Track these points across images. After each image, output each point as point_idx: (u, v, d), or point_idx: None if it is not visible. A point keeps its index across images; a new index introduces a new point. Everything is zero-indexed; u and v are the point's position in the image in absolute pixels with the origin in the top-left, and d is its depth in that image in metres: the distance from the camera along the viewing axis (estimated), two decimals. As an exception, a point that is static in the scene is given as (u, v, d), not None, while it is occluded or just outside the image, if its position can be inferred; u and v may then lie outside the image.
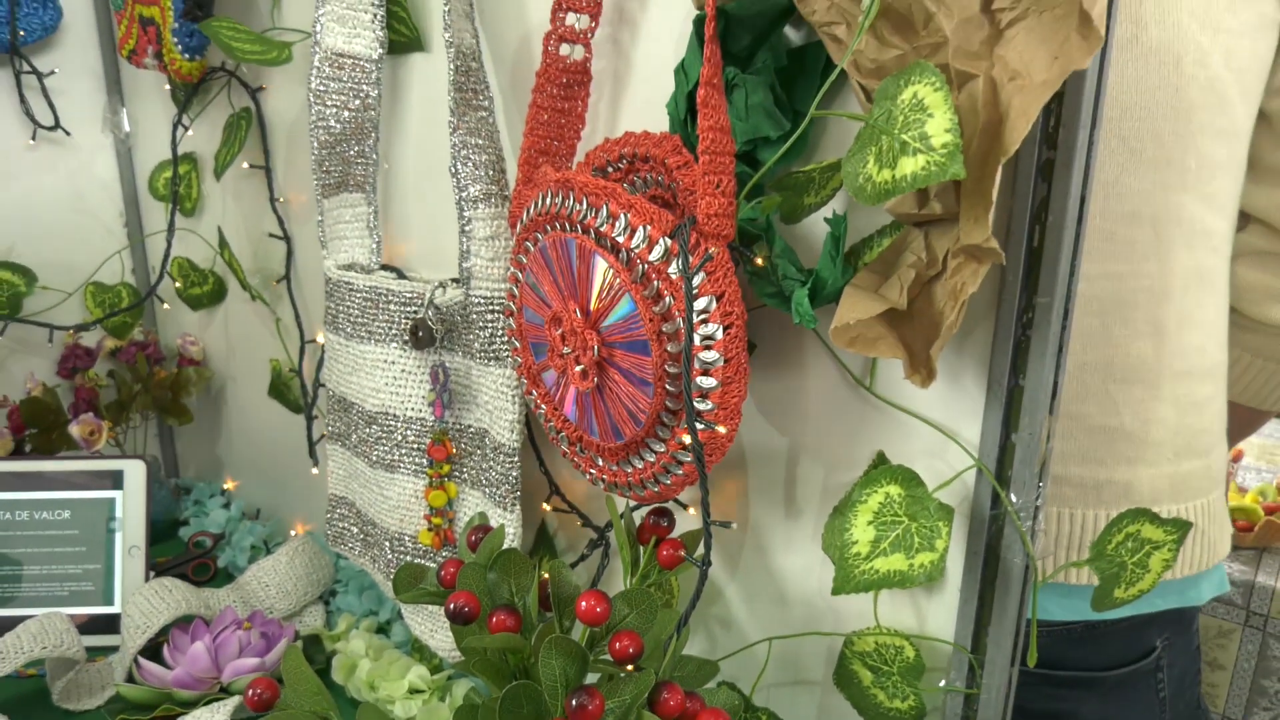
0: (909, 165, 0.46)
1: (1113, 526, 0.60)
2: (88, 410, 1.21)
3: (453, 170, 0.76)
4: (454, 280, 0.81)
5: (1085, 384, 0.75)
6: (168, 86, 1.10)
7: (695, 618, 0.79)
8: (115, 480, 1.07)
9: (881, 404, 0.63)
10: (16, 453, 1.18)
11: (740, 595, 0.76)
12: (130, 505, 1.07)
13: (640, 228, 0.58)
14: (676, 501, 0.75)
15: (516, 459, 0.79)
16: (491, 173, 0.77)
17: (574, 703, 0.54)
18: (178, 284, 1.21)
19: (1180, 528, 0.61)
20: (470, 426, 0.84)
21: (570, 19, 0.69)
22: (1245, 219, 0.85)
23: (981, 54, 0.50)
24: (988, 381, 0.58)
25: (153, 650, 0.95)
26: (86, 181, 1.25)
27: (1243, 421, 0.96)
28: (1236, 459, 1.48)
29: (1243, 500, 1.28)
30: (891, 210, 0.55)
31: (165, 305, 1.27)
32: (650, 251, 0.58)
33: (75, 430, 1.17)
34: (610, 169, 0.67)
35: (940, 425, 0.61)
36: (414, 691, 0.91)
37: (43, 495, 1.06)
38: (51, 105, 1.18)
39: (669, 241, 0.58)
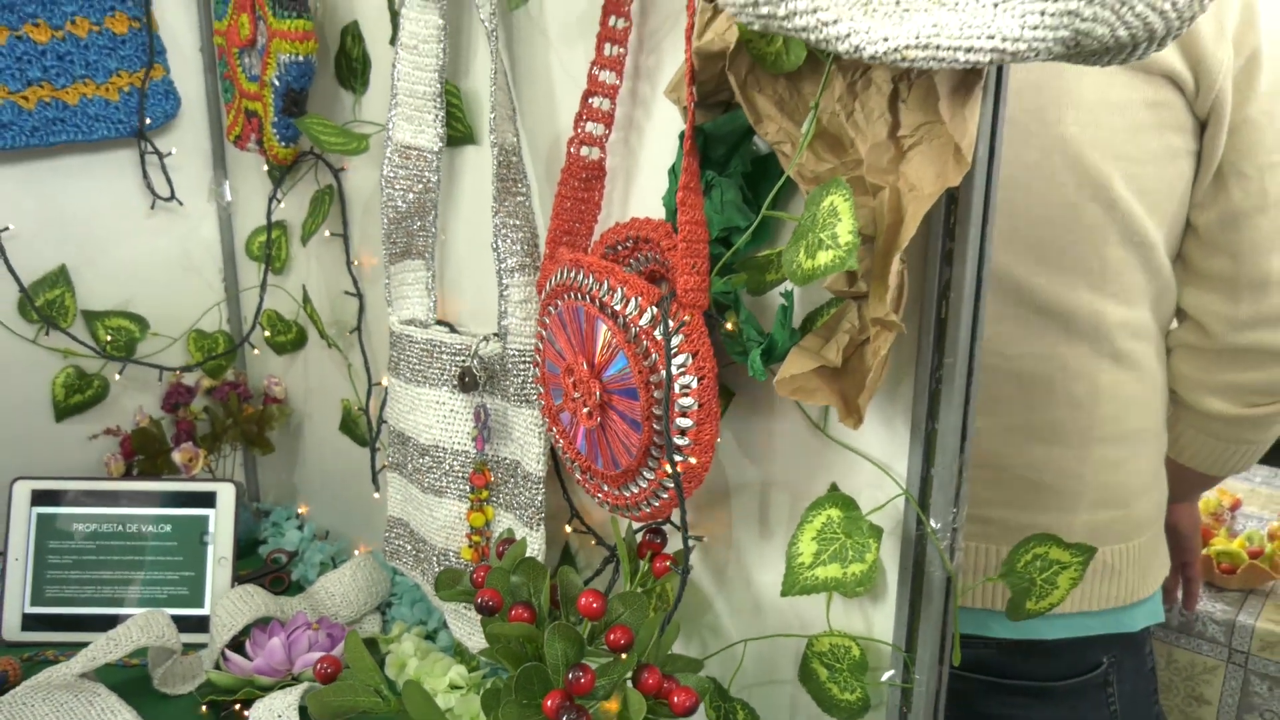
0: (824, 257, 0.61)
1: (1021, 547, 0.73)
2: (187, 440, 1.40)
3: (494, 246, 0.93)
4: (495, 335, 0.97)
5: (1011, 443, 0.88)
6: (265, 166, 1.30)
7: (689, 625, 0.93)
8: (209, 500, 1.25)
9: (834, 443, 0.77)
10: (127, 474, 1.38)
11: (725, 606, 0.90)
12: (221, 522, 1.24)
13: (633, 298, 0.74)
14: (671, 523, 0.89)
15: (541, 486, 0.95)
16: (526, 248, 0.94)
17: (570, 676, 0.68)
18: (266, 333, 1.40)
19: (1084, 551, 0.74)
20: (505, 458, 1.00)
21: (589, 126, 0.85)
22: (1182, 314, 0.96)
23: (889, 170, 0.64)
24: (911, 425, 0.71)
25: (236, 645, 1.12)
26: (193, 243, 1.46)
27: (1195, 482, 1.07)
28: (1234, 508, 1.55)
29: (1230, 545, 1.36)
30: (828, 288, 0.70)
31: (255, 351, 1.46)
32: (641, 318, 0.73)
33: (177, 457, 1.36)
34: (620, 247, 0.83)
35: (877, 461, 0.74)
36: (454, 687, 1.06)
37: (148, 511, 1.24)
38: (169, 179, 1.39)
39: (655, 310, 0.73)
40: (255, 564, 1.38)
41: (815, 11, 0.49)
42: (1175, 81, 0.83)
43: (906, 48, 0.49)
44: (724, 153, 0.76)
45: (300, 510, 1.47)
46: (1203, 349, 0.92)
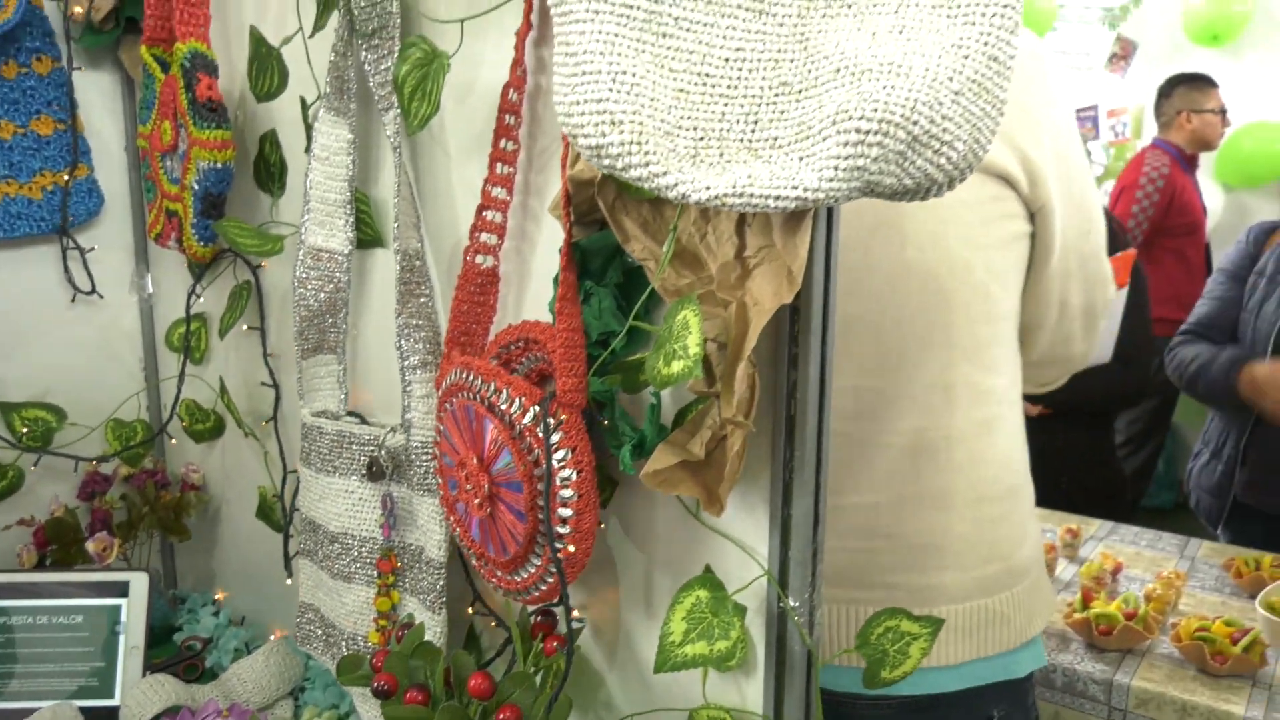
0: (677, 366, 0.68)
1: (873, 621, 0.80)
2: (102, 529, 1.41)
3: (398, 345, 0.99)
4: (400, 427, 1.03)
5: (905, 512, 0.97)
6: (185, 263, 1.35)
7: (583, 701, 0.98)
8: (122, 590, 1.27)
9: (706, 528, 0.84)
10: (39, 565, 1.38)
11: (617, 681, 0.95)
12: (133, 611, 1.26)
13: (518, 399, 0.81)
14: (562, 604, 0.94)
15: (443, 571, 1.00)
16: (428, 346, 1.00)
17: (457, 753, 0.73)
18: (184, 421, 1.43)
19: (932, 623, 0.81)
20: (411, 544, 1.05)
21: (484, 237, 0.93)
22: None
23: (736, 286, 0.73)
24: (770, 511, 0.79)
25: (145, 736, 1.13)
26: (114, 334, 1.49)
27: None
28: (1116, 572, 1.66)
29: (1107, 608, 1.46)
30: (690, 389, 0.77)
31: (173, 440, 1.49)
32: (524, 416, 0.80)
33: (91, 546, 1.38)
34: (512, 347, 0.90)
35: (742, 544, 0.81)
36: (362, 770, 1.08)
37: (60, 602, 1.26)
38: (90, 274, 1.43)
39: (537, 409, 0.80)
40: (170, 651, 1.39)
41: (648, 165, 0.58)
42: (1009, 180, 0.96)
43: (725, 195, 0.58)
44: (601, 264, 0.84)
45: (217, 596, 1.48)
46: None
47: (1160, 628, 1.49)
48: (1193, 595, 1.64)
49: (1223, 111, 3.50)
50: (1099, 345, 1.77)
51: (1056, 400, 1.31)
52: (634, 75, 0.58)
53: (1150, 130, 3.86)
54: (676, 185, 0.58)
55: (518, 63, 0.87)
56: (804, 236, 0.68)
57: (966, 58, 0.58)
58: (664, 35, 0.59)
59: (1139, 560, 1.80)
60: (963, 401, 0.98)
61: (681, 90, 0.60)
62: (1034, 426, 2.22)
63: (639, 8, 0.59)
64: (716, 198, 0.58)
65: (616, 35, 0.58)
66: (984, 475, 1.01)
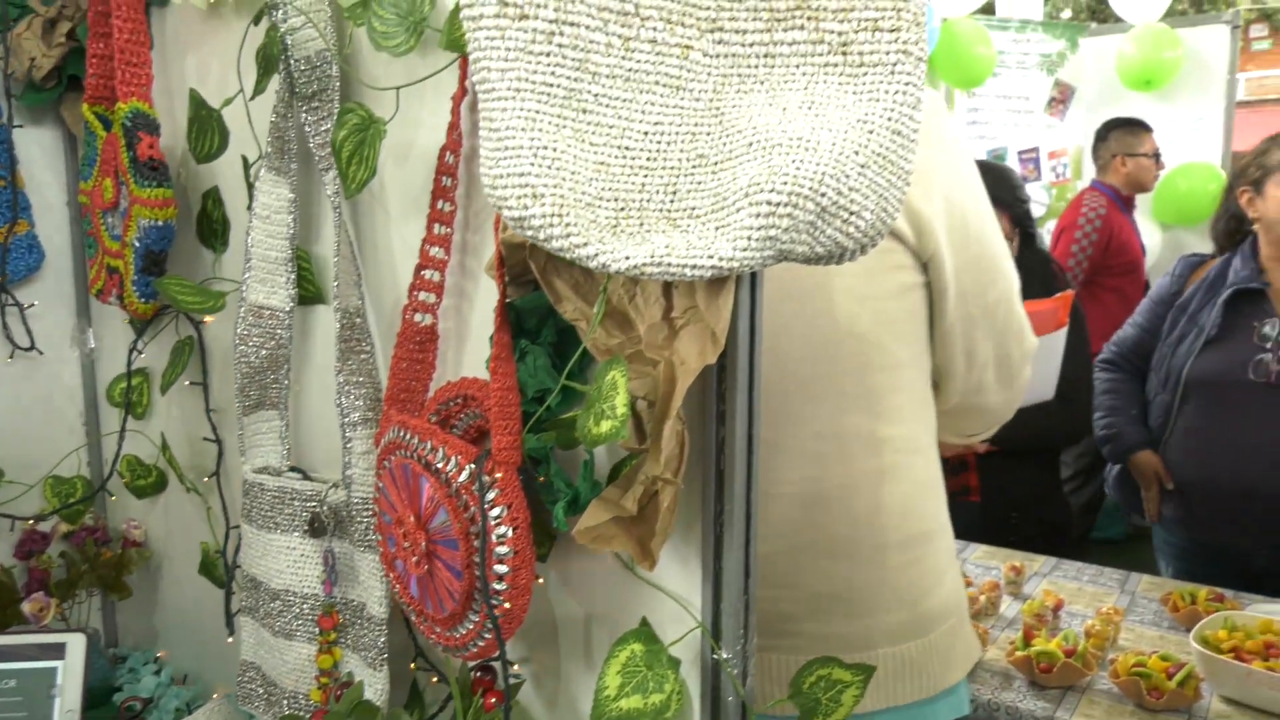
0: (605, 426, 0.70)
1: (805, 670, 0.81)
2: (39, 589, 1.39)
3: (338, 402, 1.00)
4: (342, 483, 1.03)
5: (807, 562, 0.98)
6: (126, 319, 1.34)
7: (526, 757, 0.98)
8: (58, 652, 1.24)
9: (643, 581, 0.85)
10: (-28, 628, 1.35)
11: (559, 736, 0.95)
12: (70, 675, 1.23)
13: (453, 457, 0.82)
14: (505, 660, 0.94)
15: (384, 627, 0.99)
16: (369, 403, 1.01)
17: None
18: (126, 478, 1.42)
19: (864, 671, 0.83)
20: (352, 600, 1.04)
21: (422, 296, 0.94)
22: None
23: (664, 346, 0.75)
24: (702, 564, 0.80)
25: (80, 803, 1.11)
26: (54, 389, 1.48)
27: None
28: (1057, 609, 1.69)
29: (1048, 645, 1.48)
30: (623, 447, 0.79)
31: (113, 497, 1.47)
32: (460, 474, 0.81)
33: (26, 608, 1.35)
34: (451, 403, 0.91)
35: (677, 597, 0.82)
36: (303, 832, 1.07)
37: (-7, 666, 1.23)
38: (29, 331, 1.41)
39: (473, 467, 0.81)
40: (110, 712, 1.36)
41: (569, 236, 0.60)
42: (895, 233, 0.98)
43: (644, 265, 0.60)
44: (535, 323, 0.86)
45: (159, 655, 1.45)
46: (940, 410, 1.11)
47: (1099, 664, 1.52)
48: (1132, 630, 1.67)
49: (1156, 155, 3.63)
50: (1038, 387, 1.81)
51: (1001, 438, 1.34)
52: (555, 150, 0.60)
53: (1090, 171, 3.99)
54: (597, 256, 0.60)
55: (454, 127, 0.89)
56: (726, 299, 0.70)
57: (871, 133, 0.61)
58: (584, 111, 0.62)
59: (1081, 596, 1.84)
60: (857, 451, 1.00)
61: (602, 163, 0.62)
62: (981, 464, 2.28)
63: (560, 85, 0.61)
64: (636, 267, 0.60)
65: (538, 112, 0.60)
66: (885, 524, 1.02)
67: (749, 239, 0.59)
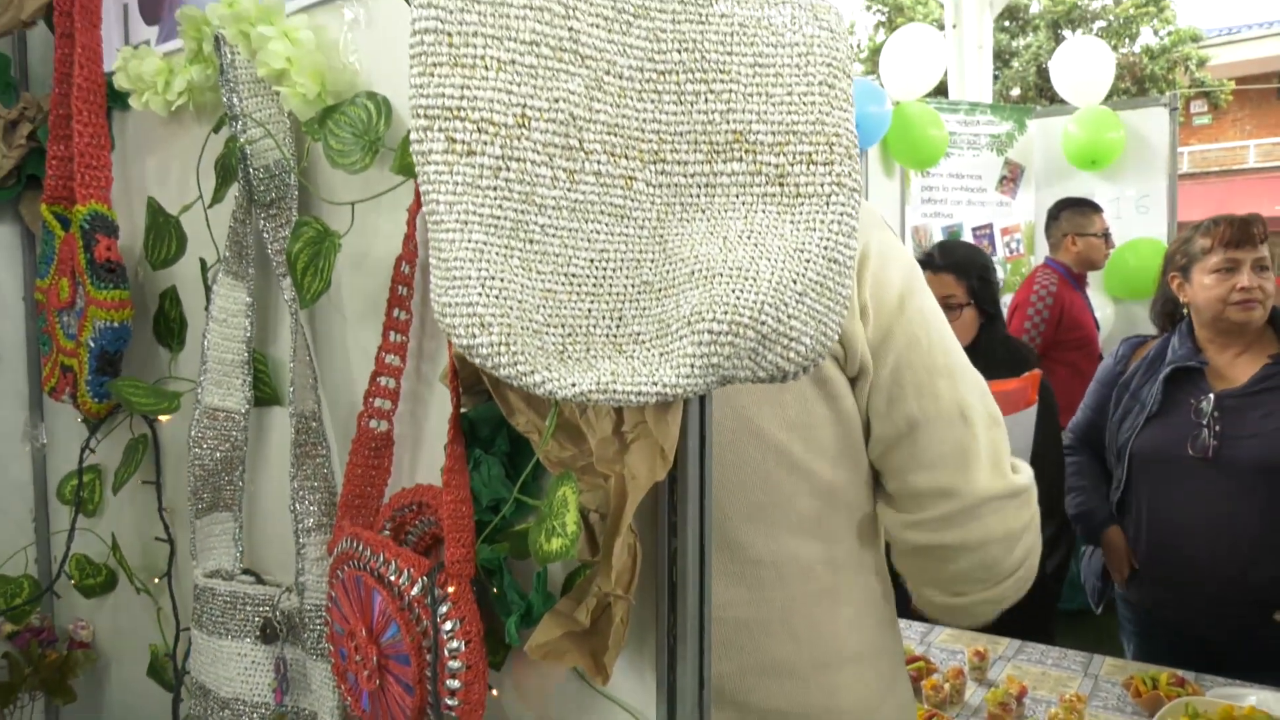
0: (556, 543, 0.70)
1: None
2: (-22, 696, 1.34)
3: (292, 508, 0.99)
4: (295, 588, 1.02)
5: (748, 682, 0.97)
6: (80, 418, 1.33)
7: None
8: (-3, 765, 1.20)
9: (600, 694, 0.84)
10: (-93, 740, 1.30)
11: None
12: (8, 788, 1.19)
13: (406, 570, 0.81)
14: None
15: (336, 740, 0.97)
16: (324, 508, 1.00)
17: None
18: (74, 578, 1.39)
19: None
20: (305, 710, 1.02)
21: (377, 402, 0.94)
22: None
23: (615, 460, 0.76)
24: (657, 676, 0.80)
25: None
26: (3, 485, 1.45)
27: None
28: (1021, 696, 1.69)
29: (1013, 735, 1.48)
30: (578, 559, 0.79)
31: (59, 598, 1.44)
32: (412, 588, 0.81)
33: (-35, 716, 1.30)
34: (406, 510, 0.91)
35: (633, 710, 0.82)
36: None
37: (-73, 782, 1.18)
38: (-22, 427, 1.39)
39: (425, 580, 0.80)
40: (48, 827, 1.31)
41: (515, 364, 0.61)
42: (830, 354, 0.96)
43: (590, 392, 0.61)
44: (489, 433, 0.86)
45: (103, 762, 1.41)
46: (902, 553, 1.04)
47: (1064, 752, 1.51)
48: (1095, 717, 1.67)
49: (1106, 234, 3.74)
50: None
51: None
52: (502, 280, 0.62)
53: (1042, 246, 4.10)
54: (544, 383, 0.61)
55: (409, 238, 0.91)
56: (674, 416, 0.72)
57: (809, 262, 0.64)
58: (531, 241, 0.64)
59: (1045, 681, 1.84)
60: (794, 575, 0.98)
61: (549, 291, 0.64)
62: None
63: (507, 218, 0.63)
64: (582, 394, 0.61)
65: (485, 244, 0.62)
66: (828, 644, 0.99)
67: (692, 366, 0.61)
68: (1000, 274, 4.60)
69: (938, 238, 4.47)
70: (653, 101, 0.66)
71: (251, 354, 1.09)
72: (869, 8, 13.09)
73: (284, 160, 1.01)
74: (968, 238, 4.51)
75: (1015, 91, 12.22)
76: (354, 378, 1.03)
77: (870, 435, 0.99)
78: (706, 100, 0.66)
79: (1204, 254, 2.03)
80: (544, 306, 0.63)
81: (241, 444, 1.11)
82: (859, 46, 13.35)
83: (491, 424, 0.86)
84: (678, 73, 0.66)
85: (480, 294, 0.61)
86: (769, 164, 0.66)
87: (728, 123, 0.66)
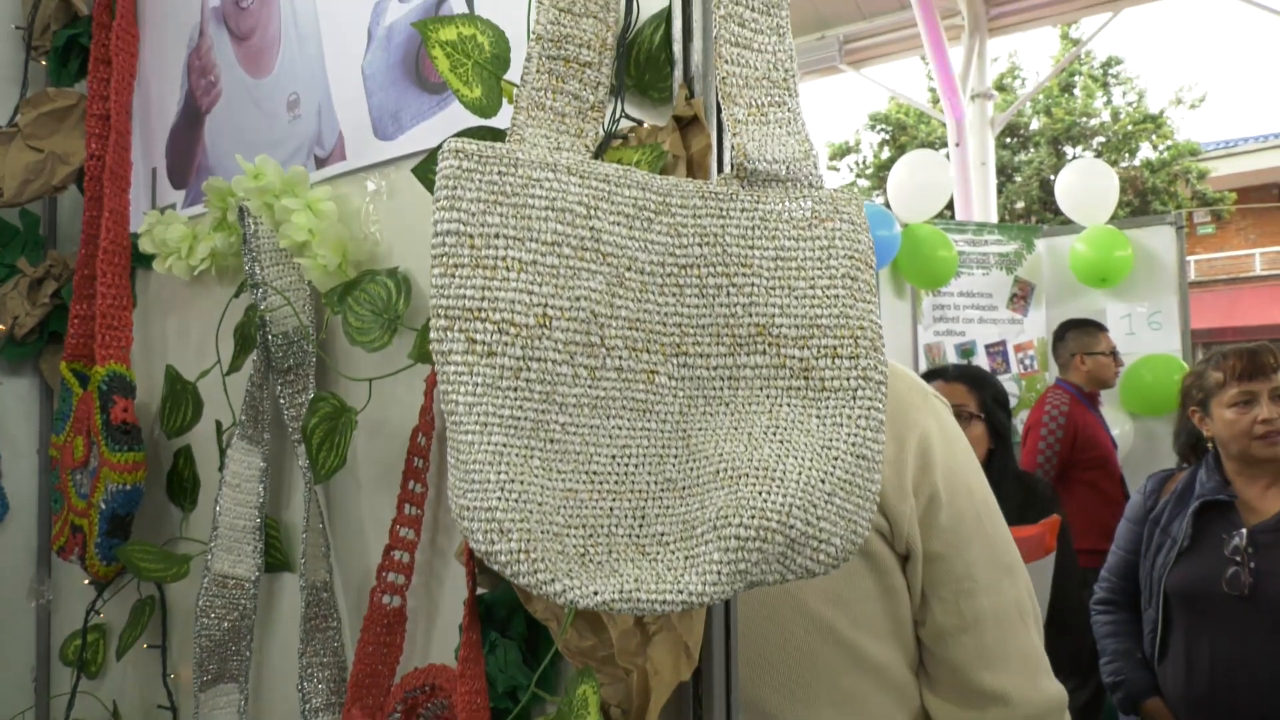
0: (576, 746, 0.67)
1: None
2: None
3: (299, 686, 0.96)
4: (300, 772, 0.97)
5: None
6: (86, 580, 1.30)
7: None
8: None
9: None
10: None
11: None
12: None
13: (417, 767, 0.77)
14: None
15: None
16: (332, 687, 0.96)
17: None
18: (73, 744, 1.34)
19: None
20: None
21: (391, 577, 0.92)
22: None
23: (637, 653, 0.73)
24: None
25: None
26: (6, 642, 1.41)
27: None
28: None
29: None
30: (597, 754, 0.75)
31: (57, 765, 1.38)
32: (424, 788, 0.76)
33: None
34: (418, 692, 0.87)
35: None
36: None
37: None
38: (-16, 586, 1.37)
39: (437, 780, 0.76)
40: None
41: (535, 573, 0.59)
42: (879, 531, 0.94)
43: (612, 600, 0.59)
44: (505, 615, 0.83)
45: None
46: None
47: None
48: None
49: (1114, 353, 3.73)
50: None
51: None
52: (522, 483, 0.60)
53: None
54: (565, 592, 0.59)
55: (426, 409, 0.90)
56: (699, 613, 0.69)
57: (836, 459, 0.62)
58: (552, 441, 0.62)
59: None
60: None
61: (570, 490, 0.62)
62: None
63: (527, 418, 0.62)
64: (605, 603, 0.59)
65: (505, 445, 0.61)
66: None
67: (719, 573, 0.59)
68: (1015, 389, 4.58)
69: (951, 356, 4.48)
70: (674, 295, 0.66)
71: (264, 520, 1.07)
72: (872, 126, 13.46)
73: (303, 328, 1.01)
74: (981, 355, 4.51)
75: (1020, 204, 12.45)
76: (368, 546, 1.00)
77: (927, 620, 0.96)
78: (728, 294, 0.66)
79: (1219, 388, 2.01)
80: (565, 507, 0.62)
81: (250, 612, 1.08)
82: (864, 163, 13.69)
83: (508, 606, 0.83)
84: (699, 266, 0.66)
85: (500, 498, 0.59)
86: (793, 357, 0.65)
87: (750, 316, 0.66)
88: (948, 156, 7.46)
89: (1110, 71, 12.86)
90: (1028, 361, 4.63)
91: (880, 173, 13.11)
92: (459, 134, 0.79)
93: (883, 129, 13.45)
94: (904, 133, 13.11)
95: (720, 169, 0.76)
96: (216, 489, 1.07)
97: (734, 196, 0.67)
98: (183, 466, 1.22)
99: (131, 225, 1.28)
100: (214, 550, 1.07)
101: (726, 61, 0.67)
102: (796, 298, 0.65)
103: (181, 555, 1.15)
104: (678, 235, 0.66)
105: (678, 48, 0.77)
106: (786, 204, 0.67)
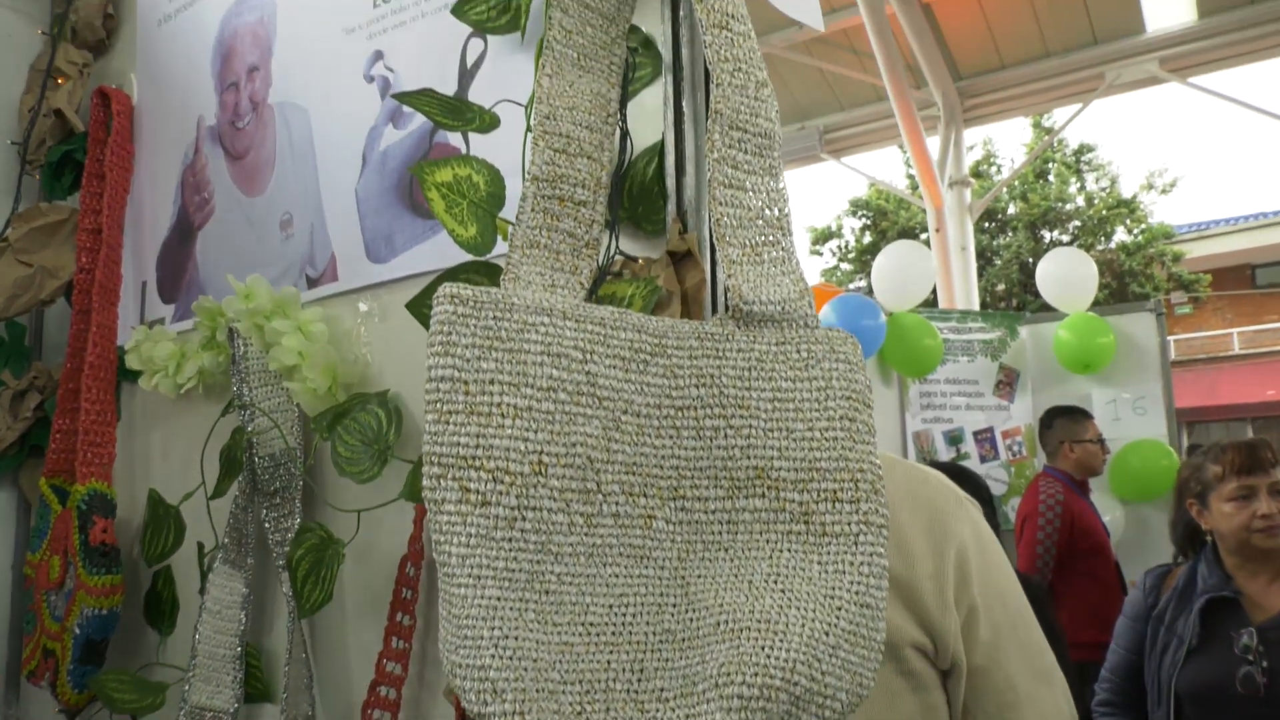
0: None
1: None
2: None
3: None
4: None
5: None
6: (56, 709, 1.25)
7: None
8: None
9: None
10: None
11: None
12: None
13: None
14: None
15: None
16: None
17: None
18: None
19: None
20: None
21: (376, 714, 0.88)
22: None
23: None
24: None
25: None
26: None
27: None
28: None
29: None
30: None
31: None
32: None
33: None
34: (403, 839, 0.83)
35: None
36: None
37: None
38: (-51, 712, 1.31)
39: None
40: None
41: (531, 736, 0.56)
42: (920, 648, 0.93)
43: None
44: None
45: None
46: None
47: None
48: None
49: (1101, 440, 3.74)
50: None
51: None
52: (516, 639, 0.58)
53: (1044, 447, 4.09)
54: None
55: (415, 539, 0.88)
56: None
57: (840, 609, 0.60)
58: (547, 592, 0.61)
59: None
60: None
61: (566, 644, 0.60)
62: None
63: (522, 570, 0.60)
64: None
65: (499, 599, 0.59)
66: None
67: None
68: (1004, 476, 4.57)
69: (939, 443, 4.48)
70: (671, 438, 0.65)
71: (244, 649, 1.03)
72: (853, 212, 13.72)
73: (290, 450, 1.00)
74: (969, 442, 4.51)
75: (1000, 287, 12.64)
76: (353, 678, 0.97)
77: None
78: (726, 435, 0.65)
79: (1218, 481, 2.01)
80: (560, 662, 0.59)
81: (228, 745, 1.03)
82: (846, 248, 13.90)
83: (499, 750, 0.80)
84: (696, 408, 0.65)
85: (493, 656, 0.57)
86: (792, 501, 0.64)
87: (748, 458, 0.65)
88: (928, 242, 7.60)
89: (1083, 158, 13.23)
90: (1015, 448, 4.63)
91: (862, 257, 13.32)
92: (454, 269, 0.79)
93: (864, 214, 13.72)
94: (884, 218, 13.37)
95: (715, 303, 0.76)
96: (197, 613, 1.04)
97: (730, 337, 0.67)
98: (162, 587, 1.18)
99: (119, 337, 1.28)
100: (192, 680, 1.03)
101: (720, 203, 0.67)
102: (795, 440, 0.65)
103: (157, 684, 1.11)
104: (674, 377, 0.66)
105: (671, 181, 0.78)
106: (782, 345, 0.67)
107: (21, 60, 1.42)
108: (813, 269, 14.45)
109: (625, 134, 0.78)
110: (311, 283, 1.07)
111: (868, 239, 13.52)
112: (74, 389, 1.26)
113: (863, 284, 13.07)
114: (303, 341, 0.97)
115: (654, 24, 0.81)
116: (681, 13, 0.79)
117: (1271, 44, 6.66)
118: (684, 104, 0.78)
